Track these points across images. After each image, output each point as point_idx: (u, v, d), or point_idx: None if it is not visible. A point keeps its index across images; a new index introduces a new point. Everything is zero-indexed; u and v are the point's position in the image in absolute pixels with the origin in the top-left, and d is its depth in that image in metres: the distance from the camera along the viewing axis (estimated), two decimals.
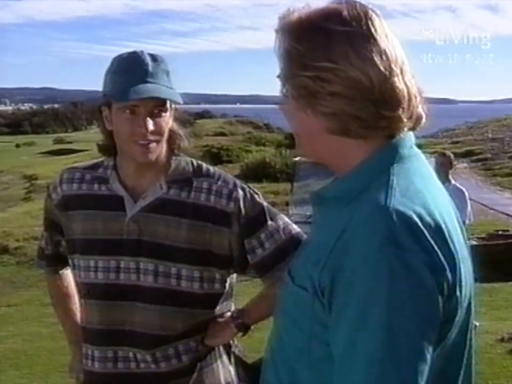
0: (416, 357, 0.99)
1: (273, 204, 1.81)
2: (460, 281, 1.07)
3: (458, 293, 1.07)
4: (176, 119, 1.76)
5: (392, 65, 1.08)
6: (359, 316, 1.00)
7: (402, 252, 1.00)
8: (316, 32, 1.09)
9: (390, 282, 0.99)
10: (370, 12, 1.10)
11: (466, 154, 31.93)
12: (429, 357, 1.01)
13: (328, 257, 1.05)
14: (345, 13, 1.08)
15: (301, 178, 15.43)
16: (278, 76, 1.16)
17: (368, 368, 0.98)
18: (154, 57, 1.68)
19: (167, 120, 1.70)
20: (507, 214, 17.12)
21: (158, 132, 1.68)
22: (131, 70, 1.65)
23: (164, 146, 1.74)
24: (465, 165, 29.17)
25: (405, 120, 1.11)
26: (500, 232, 12.91)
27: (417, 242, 1.01)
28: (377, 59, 1.06)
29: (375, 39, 1.08)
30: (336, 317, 1.04)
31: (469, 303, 1.14)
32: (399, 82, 1.08)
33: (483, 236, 12.43)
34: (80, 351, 1.89)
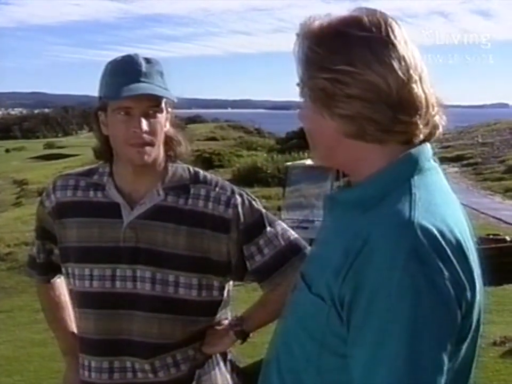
0: (438, 373, 0.99)
1: (265, 209, 1.81)
2: (475, 299, 1.07)
3: (474, 311, 1.07)
4: (172, 124, 1.74)
5: (411, 71, 1.08)
6: (381, 333, 0.99)
7: (426, 268, 0.99)
8: (336, 37, 1.10)
9: (413, 299, 0.98)
10: (390, 19, 1.11)
11: (457, 159, 31.99)
12: (446, 371, 1.00)
13: (349, 270, 1.03)
14: (365, 19, 1.10)
15: (292, 183, 15.40)
16: (298, 84, 1.16)
17: None
18: (148, 59, 1.68)
19: (162, 122, 1.68)
20: (498, 218, 17.15)
21: (153, 132, 1.66)
22: (125, 71, 1.65)
23: (161, 151, 1.72)
24: (455, 169, 29.23)
25: (421, 126, 1.10)
26: (491, 236, 12.93)
27: (440, 259, 1.00)
28: (395, 64, 1.07)
29: (394, 45, 1.08)
30: (357, 332, 1.02)
31: (479, 319, 1.12)
32: (417, 89, 1.08)
33: (475, 240, 12.43)
34: (75, 362, 1.86)
